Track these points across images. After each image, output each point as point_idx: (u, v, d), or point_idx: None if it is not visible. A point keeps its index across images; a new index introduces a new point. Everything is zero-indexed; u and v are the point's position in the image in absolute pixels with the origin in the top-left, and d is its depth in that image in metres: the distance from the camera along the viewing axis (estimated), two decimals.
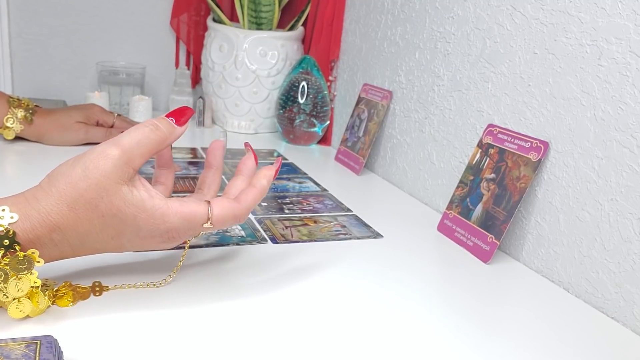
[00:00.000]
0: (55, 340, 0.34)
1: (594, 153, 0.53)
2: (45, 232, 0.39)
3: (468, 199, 0.65)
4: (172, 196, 0.69)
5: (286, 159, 0.94)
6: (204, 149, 0.94)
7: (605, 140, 0.52)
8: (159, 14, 1.20)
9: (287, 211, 0.69)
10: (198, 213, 0.42)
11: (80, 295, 0.44)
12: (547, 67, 0.58)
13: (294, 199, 0.74)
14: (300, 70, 1.03)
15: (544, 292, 0.55)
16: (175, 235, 0.43)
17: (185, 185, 0.74)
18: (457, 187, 0.68)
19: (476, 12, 0.68)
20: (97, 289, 0.45)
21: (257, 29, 1.08)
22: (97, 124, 0.89)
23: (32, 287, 0.39)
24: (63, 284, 0.44)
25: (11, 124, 0.82)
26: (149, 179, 0.45)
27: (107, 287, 0.45)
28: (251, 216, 0.66)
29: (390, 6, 0.87)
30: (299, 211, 0.69)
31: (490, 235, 0.60)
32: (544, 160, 0.58)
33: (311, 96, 1.01)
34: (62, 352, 0.34)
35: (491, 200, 0.62)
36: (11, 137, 0.82)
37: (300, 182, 0.81)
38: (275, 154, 0.97)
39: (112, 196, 0.39)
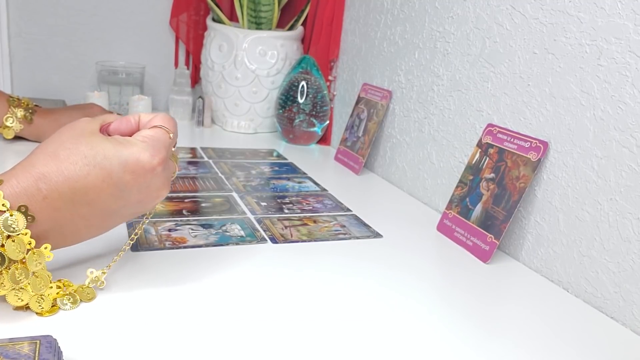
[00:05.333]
0: (55, 340, 0.34)
1: (594, 153, 0.53)
2: (31, 182, 0.40)
3: (467, 199, 0.65)
4: (173, 196, 0.69)
5: (286, 159, 0.94)
6: (203, 149, 0.94)
7: (605, 140, 0.52)
8: (158, 13, 1.20)
9: (286, 211, 0.69)
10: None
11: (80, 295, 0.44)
12: (546, 67, 0.58)
13: (293, 198, 0.74)
14: (300, 70, 1.03)
15: (543, 291, 0.55)
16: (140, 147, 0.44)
17: (185, 185, 0.74)
18: (457, 186, 0.68)
19: (476, 11, 0.68)
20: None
21: (257, 28, 1.08)
22: None
23: (28, 247, 0.40)
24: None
25: (11, 123, 0.82)
26: None
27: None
28: (251, 216, 0.66)
29: (389, 6, 0.87)
30: (299, 211, 0.69)
31: (490, 235, 0.60)
32: (543, 160, 0.58)
33: (311, 96, 1.01)
34: (61, 352, 0.34)
35: (491, 200, 0.62)
36: (11, 136, 0.82)
37: (299, 182, 0.81)
38: (274, 154, 0.97)
39: (86, 135, 0.43)
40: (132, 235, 0.49)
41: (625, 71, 0.50)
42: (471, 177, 0.66)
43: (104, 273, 0.46)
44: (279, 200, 0.72)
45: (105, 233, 0.47)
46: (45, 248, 0.41)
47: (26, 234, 0.39)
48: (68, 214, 0.42)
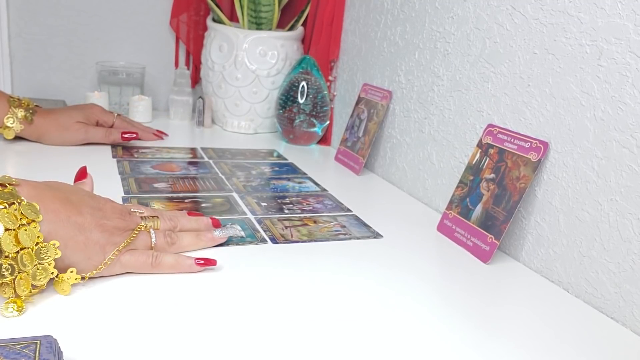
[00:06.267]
0: (55, 340, 0.34)
1: (594, 153, 0.53)
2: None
3: (468, 199, 0.65)
4: (173, 196, 0.69)
5: (286, 159, 0.94)
6: (203, 149, 0.94)
7: (605, 141, 0.52)
8: (158, 14, 1.20)
9: (286, 211, 0.69)
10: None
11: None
12: (546, 67, 0.58)
13: (293, 199, 0.74)
14: (300, 70, 1.03)
15: (543, 292, 0.55)
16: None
17: (185, 186, 0.74)
18: (457, 187, 0.68)
19: (476, 12, 0.68)
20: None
21: (257, 28, 1.08)
22: (97, 124, 0.89)
23: (37, 240, 0.42)
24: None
25: (11, 123, 0.82)
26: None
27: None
28: (251, 216, 0.66)
29: (390, 6, 0.87)
30: (299, 211, 0.69)
31: (490, 235, 0.60)
32: (543, 161, 0.58)
33: (311, 96, 1.01)
34: (61, 352, 0.34)
35: (491, 200, 0.62)
36: (11, 136, 0.82)
37: (300, 182, 0.81)
38: (275, 154, 0.97)
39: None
40: (106, 260, 0.47)
41: (625, 71, 0.50)
42: (471, 178, 0.66)
43: (83, 278, 0.46)
44: (279, 201, 0.72)
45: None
46: (53, 244, 0.43)
47: (35, 228, 0.42)
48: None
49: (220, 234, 0.56)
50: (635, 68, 0.49)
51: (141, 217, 0.52)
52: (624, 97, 0.50)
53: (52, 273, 0.43)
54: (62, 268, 0.44)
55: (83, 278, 0.45)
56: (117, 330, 0.40)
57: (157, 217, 0.54)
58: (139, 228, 0.50)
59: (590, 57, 0.54)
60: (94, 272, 0.46)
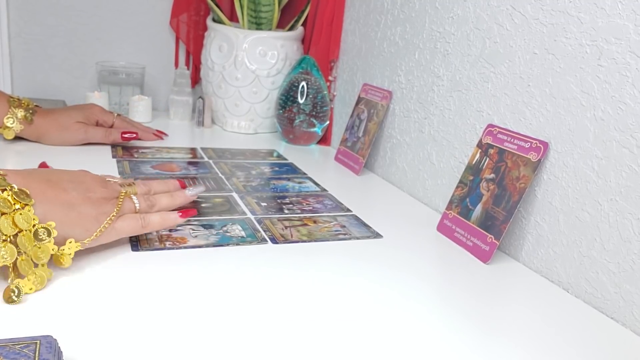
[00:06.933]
0: (55, 340, 0.34)
1: (594, 153, 0.53)
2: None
3: (468, 199, 0.65)
4: None
5: (286, 159, 0.94)
6: (203, 149, 0.94)
7: (605, 141, 0.52)
8: (158, 14, 1.20)
9: (286, 211, 0.69)
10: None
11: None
12: (546, 67, 0.58)
13: (293, 199, 0.74)
14: (300, 70, 1.03)
15: (543, 292, 0.55)
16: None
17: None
18: (457, 187, 0.68)
19: (476, 12, 0.68)
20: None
21: (257, 29, 1.08)
22: (97, 124, 0.89)
23: (33, 223, 0.44)
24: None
25: (11, 123, 0.82)
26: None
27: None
28: (251, 216, 0.66)
29: (390, 6, 0.87)
30: (299, 211, 0.69)
31: (490, 235, 0.60)
32: (543, 161, 0.58)
33: (311, 96, 1.01)
34: (61, 352, 0.34)
35: (491, 201, 0.62)
36: (11, 137, 0.82)
37: (299, 182, 0.81)
38: (275, 154, 0.97)
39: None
40: (112, 214, 0.50)
41: (625, 71, 0.50)
42: (471, 178, 0.66)
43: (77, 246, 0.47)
44: (279, 201, 0.72)
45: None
46: (49, 225, 0.45)
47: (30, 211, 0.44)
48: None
49: (192, 192, 0.62)
50: (635, 68, 0.49)
51: (119, 185, 0.56)
52: (624, 97, 0.50)
53: (52, 249, 0.45)
54: (61, 244, 0.47)
55: (82, 245, 0.48)
56: (117, 330, 0.40)
57: (133, 183, 0.58)
58: (122, 195, 0.53)
59: (590, 57, 0.54)
60: (92, 237, 0.48)
